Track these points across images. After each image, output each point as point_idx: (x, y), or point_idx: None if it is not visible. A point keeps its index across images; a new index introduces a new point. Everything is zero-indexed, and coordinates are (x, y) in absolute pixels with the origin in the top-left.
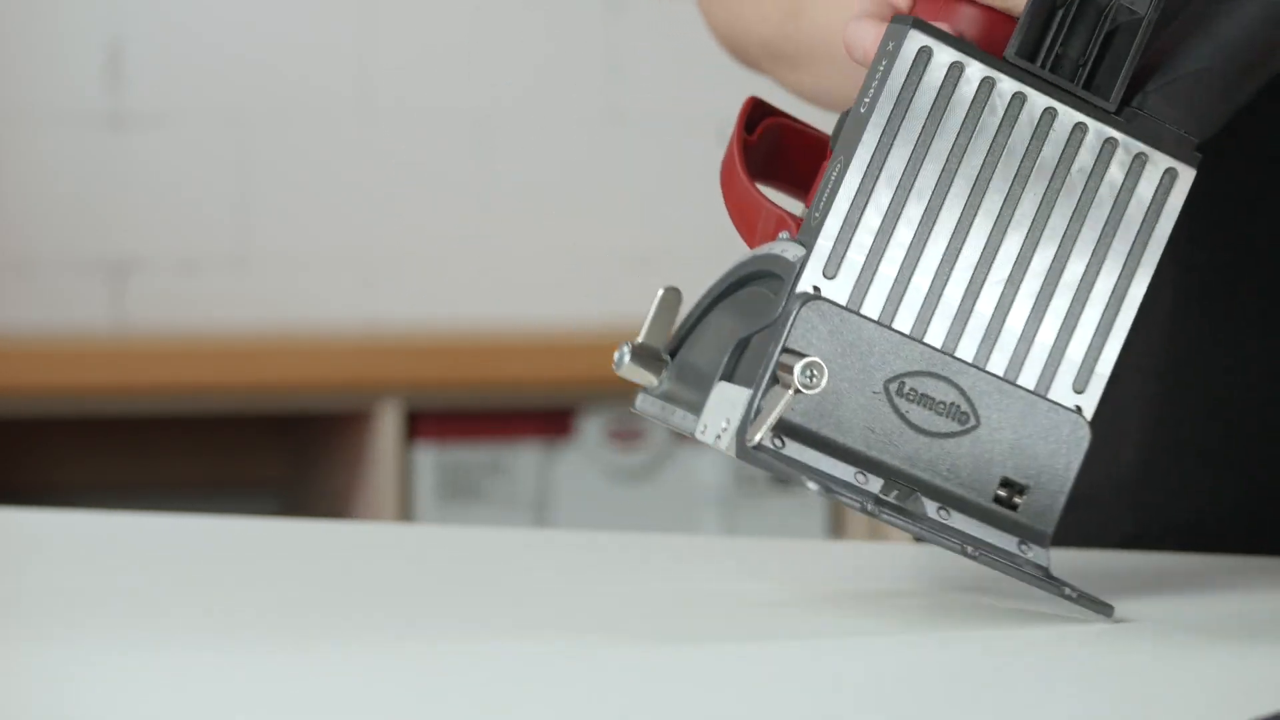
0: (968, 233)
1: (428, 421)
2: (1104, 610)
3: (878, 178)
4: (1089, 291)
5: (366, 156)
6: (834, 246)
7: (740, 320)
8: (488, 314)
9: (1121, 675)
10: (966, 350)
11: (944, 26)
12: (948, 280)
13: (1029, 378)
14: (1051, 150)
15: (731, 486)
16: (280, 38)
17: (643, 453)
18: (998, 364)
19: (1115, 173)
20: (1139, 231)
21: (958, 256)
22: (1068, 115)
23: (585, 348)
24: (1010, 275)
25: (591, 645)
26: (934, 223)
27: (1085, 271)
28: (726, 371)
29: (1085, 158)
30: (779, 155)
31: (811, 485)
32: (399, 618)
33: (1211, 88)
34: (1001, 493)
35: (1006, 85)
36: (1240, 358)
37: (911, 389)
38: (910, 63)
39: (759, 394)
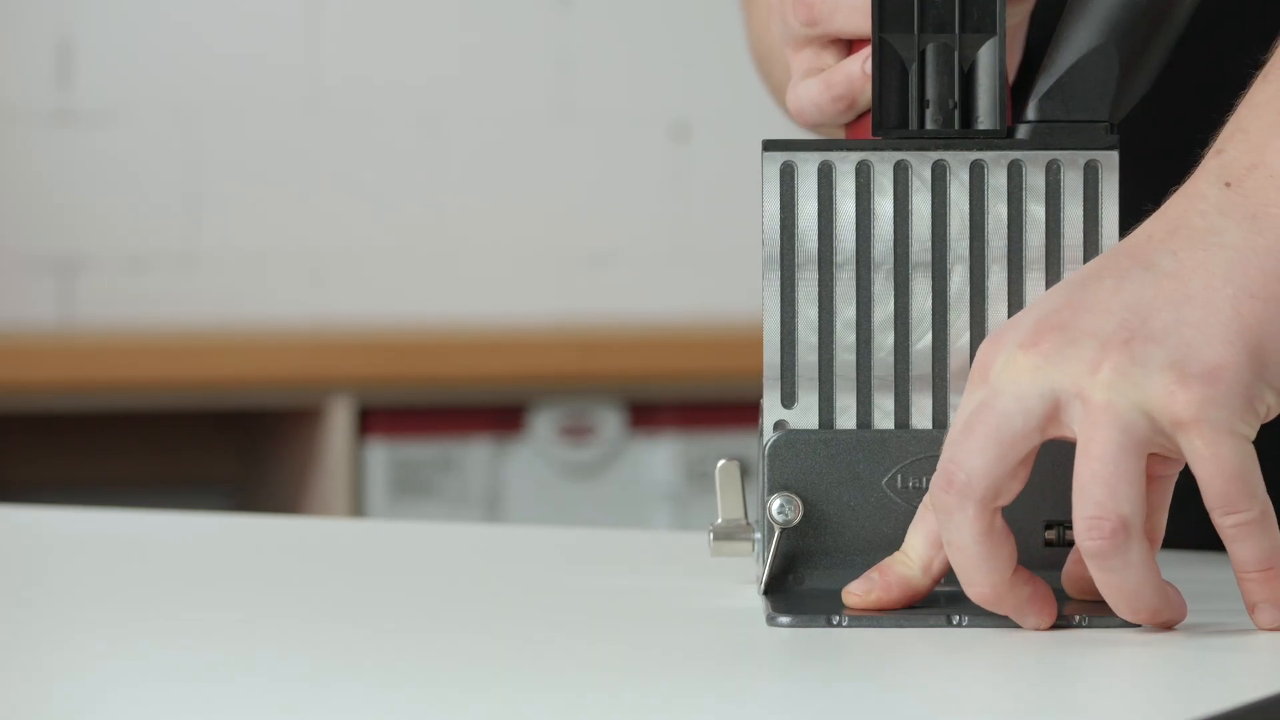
0: (909, 314)
1: (379, 418)
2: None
3: (795, 299)
4: None
5: (316, 153)
6: (782, 375)
7: None
8: (438, 310)
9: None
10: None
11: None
12: (908, 364)
13: None
14: (961, 199)
15: (682, 482)
16: (230, 35)
17: (594, 449)
18: None
19: (1036, 189)
20: (1085, 233)
21: (909, 341)
22: (961, 159)
23: (536, 344)
24: (971, 335)
25: (541, 640)
26: (870, 320)
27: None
28: None
29: (997, 198)
30: None
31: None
32: (351, 613)
33: (1104, 65)
34: (1050, 535)
35: (885, 160)
36: None
37: (914, 479)
38: (778, 184)
39: (766, 543)
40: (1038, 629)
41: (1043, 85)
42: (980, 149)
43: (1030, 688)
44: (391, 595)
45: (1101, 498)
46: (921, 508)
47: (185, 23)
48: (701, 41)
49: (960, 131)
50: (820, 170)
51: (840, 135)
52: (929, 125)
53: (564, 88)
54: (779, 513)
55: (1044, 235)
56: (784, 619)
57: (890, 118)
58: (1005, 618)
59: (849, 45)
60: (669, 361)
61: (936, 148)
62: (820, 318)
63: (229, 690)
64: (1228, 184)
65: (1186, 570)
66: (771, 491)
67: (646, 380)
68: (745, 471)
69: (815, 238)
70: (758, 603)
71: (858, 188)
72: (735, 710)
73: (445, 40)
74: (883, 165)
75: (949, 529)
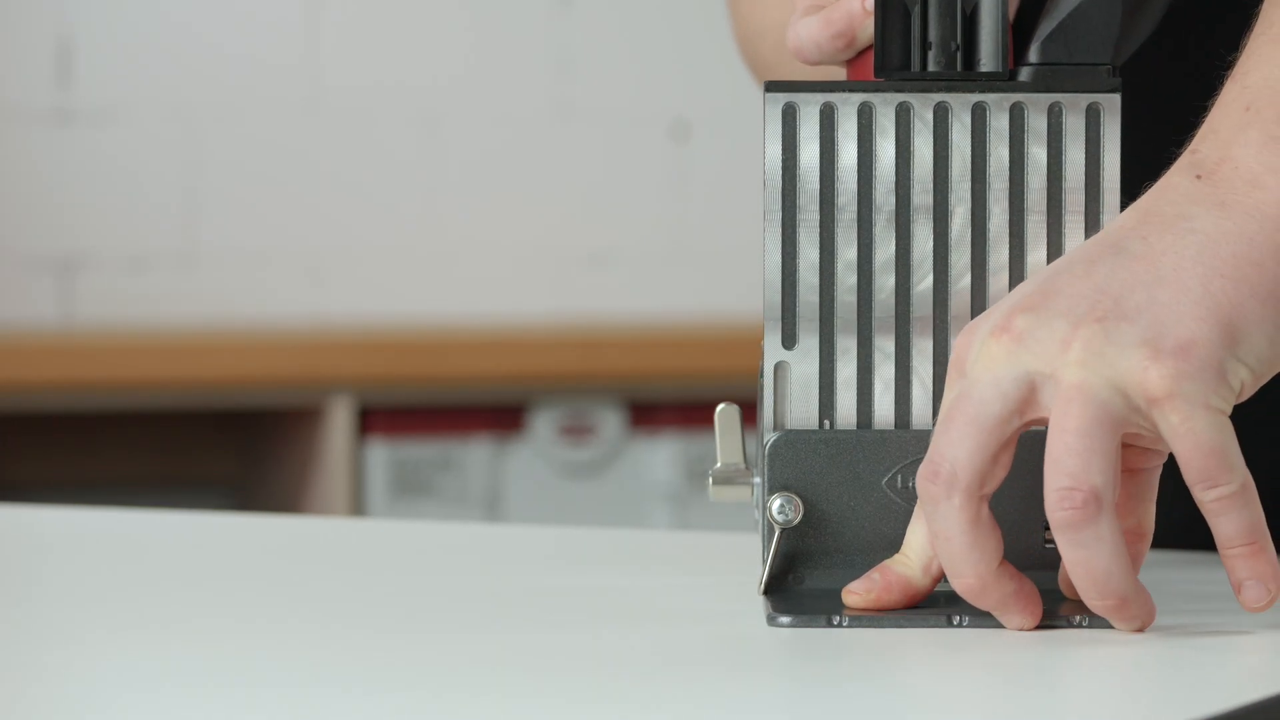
0: (910, 256)
1: (379, 417)
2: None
3: (796, 240)
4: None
5: (316, 153)
6: (783, 317)
7: None
8: (438, 310)
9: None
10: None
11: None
12: (909, 306)
13: None
14: (963, 141)
15: (682, 482)
16: (230, 35)
17: (593, 448)
18: None
19: (1038, 131)
20: (1087, 175)
21: (910, 283)
22: (963, 101)
23: (536, 343)
24: (973, 293)
25: (541, 640)
26: (871, 262)
27: (1048, 257)
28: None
29: (999, 140)
30: None
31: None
32: (350, 612)
33: (1107, 8)
34: (1050, 535)
35: (887, 101)
36: None
37: (914, 479)
38: (780, 124)
39: (766, 543)
40: (1021, 628)
41: (1045, 28)
42: (982, 91)
43: (1029, 688)
44: (391, 595)
45: (1074, 469)
46: (918, 507)
47: (185, 23)
48: (701, 41)
49: (962, 74)
50: (822, 112)
51: (841, 73)
52: (931, 67)
53: (564, 88)
54: (779, 513)
55: (1045, 178)
56: (784, 619)
57: (893, 60)
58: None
59: None
60: (669, 361)
61: (939, 89)
62: (821, 259)
63: (229, 690)
64: (1198, 176)
65: (1181, 571)
66: (771, 491)
67: (646, 380)
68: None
69: (817, 179)
70: (758, 603)
71: (859, 129)
72: (735, 710)
73: (445, 40)
74: (885, 107)
75: (935, 519)
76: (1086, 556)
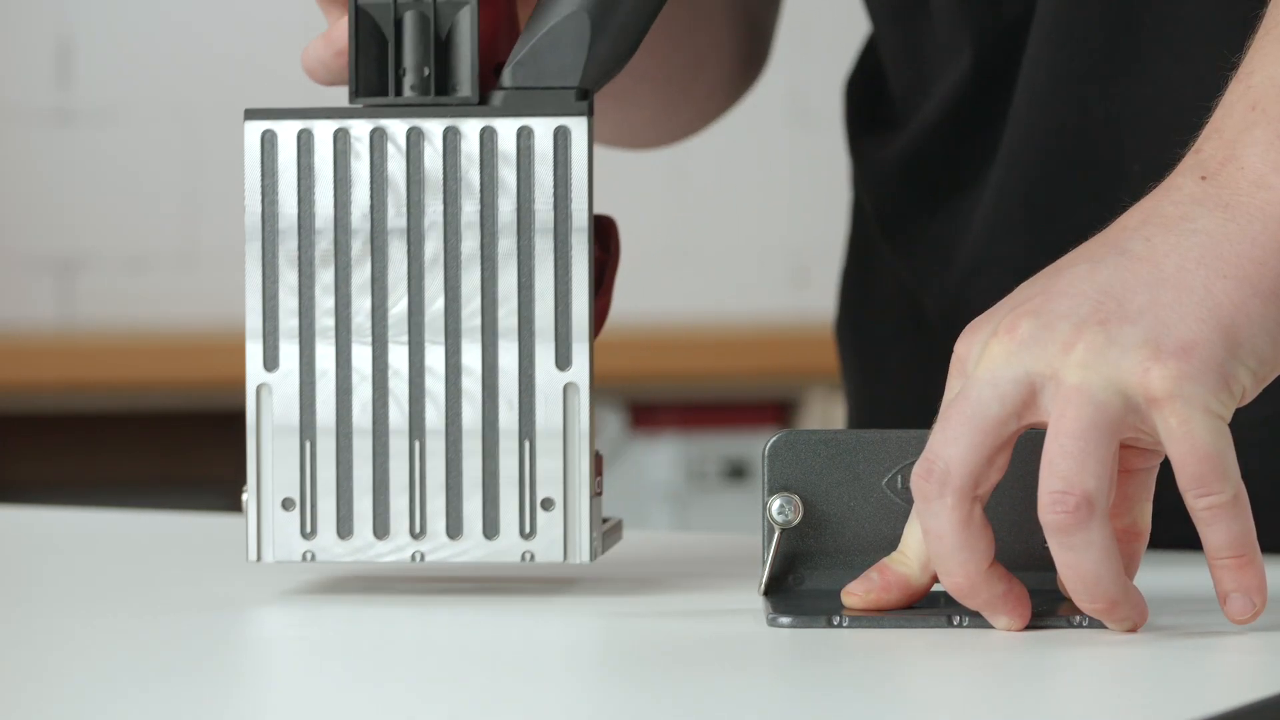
0: (386, 278)
1: None
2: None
3: (278, 272)
4: (531, 290)
5: None
6: (264, 340)
7: None
8: None
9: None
10: None
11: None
12: (386, 326)
13: None
14: (435, 165)
15: (682, 482)
16: (230, 35)
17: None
18: None
19: (507, 154)
20: (556, 198)
21: (386, 304)
22: (435, 126)
23: None
24: (446, 315)
25: (540, 639)
26: (349, 284)
27: (519, 279)
28: None
29: (470, 164)
30: None
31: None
32: (349, 612)
33: (575, 32)
34: None
35: (361, 127)
36: None
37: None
38: (259, 151)
39: (766, 544)
40: (1009, 629)
41: (517, 53)
42: (455, 116)
43: (1029, 689)
44: (390, 594)
45: (1067, 472)
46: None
47: (185, 23)
48: None
49: (435, 99)
50: (300, 138)
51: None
52: (407, 93)
53: None
54: (779, 513)
55: (515, 200)
56: (784, 620)
57: (368, 85)
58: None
59: None
60: (669, 361)
61: (412, 114)
62: (300, 282)
63: (228, 690)
64: (1203, 177)
65: (1180, 571)
66: (771, 492)
67: (646, 380)
68: None
69: (295, 204)
70: (758, 603)
71: (335, 154)
72: (735, 710)
73: None
74: (359, 132)
75: (927, 517)
76: (1076, 560)
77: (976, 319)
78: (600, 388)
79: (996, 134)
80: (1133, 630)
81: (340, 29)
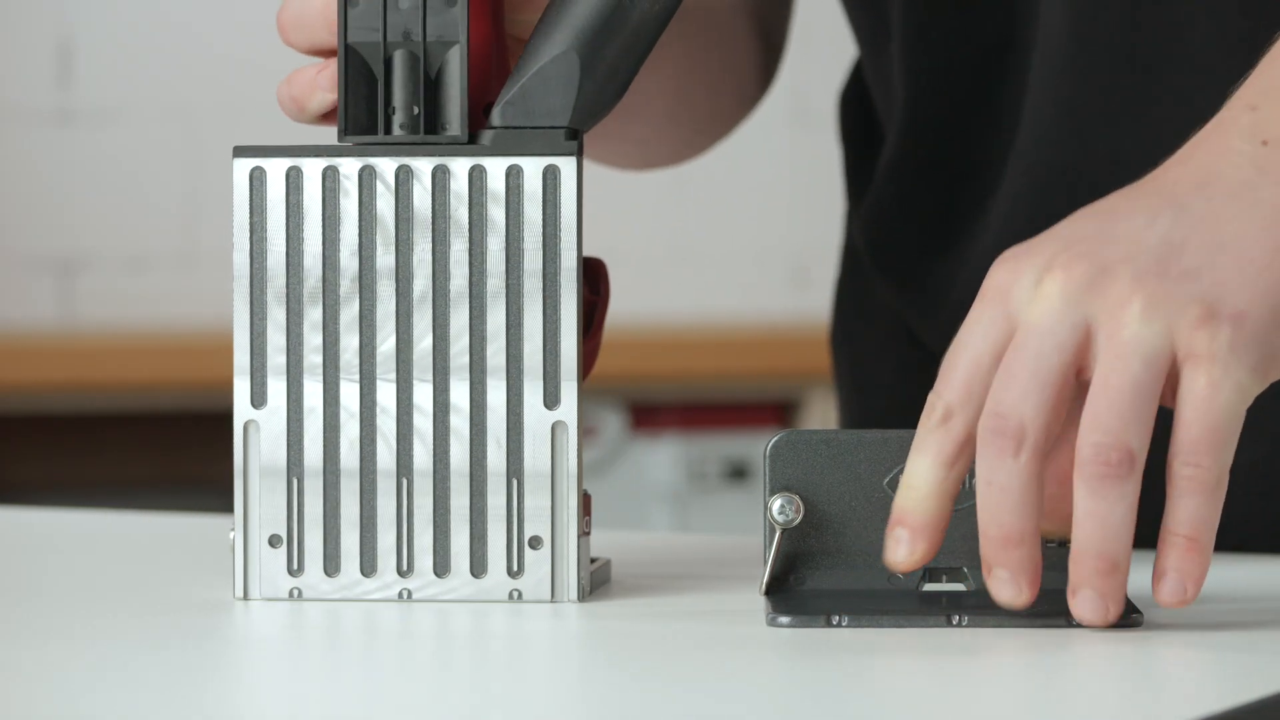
0: (374, 316)
1: None
2: (1133, 620)
3: (266, 307)
4: (520, 328)
5: None
6: (252, 380)
7: None
8: None
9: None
10: None
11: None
12: (374, 364)
13: None
14: (424, 204)
15: (683, 483)
16: (230, 36)
17: (594, 449)
18: None
19: (496, 193)
20: (545, 237)
21: (375, 342)
22: (424, 164)
23: None
24: (434, 353)
25: (539, 639)
26: (337, 322)
27: (508, 317)
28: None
29: (459, 203)
30: None
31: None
32: (349, 611)
33: (565, 71)
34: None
35: (350, 165)
36: None
37: None
38: (248, 189)
39: (767, 544)
40: (1013, 603)
41: (507, 92)
42: (444, 155)
43: (1030, 688)
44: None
45: (1113, 426)
46: (922, 432)
47: (185, 23)
48: None
49: (425, 137)
50: (289, 176)
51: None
52: (396, 131)
53: None
54: (779, 513)
55: (504, 239)
56: (784, 619)
57: (358, 124)
58: (1005, 620)
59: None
60: (669, 361)
61: (401, 153)
62: (289, 320)
63: (227, 690)
64: (1265, 142)
65: None
66: (772, 492)
67: (646, 380)
68: None
69: (284, 242)
70: (758, 603)
71: (324, 192)
72: (734, 711)
73: None
74: (349, 170)
75: (997, 472)
76: (1106, 511)
77: (1016, 248)
78: (600, 388)
79: (996, 173)
80: (1102, 620)
81: (300, 74)
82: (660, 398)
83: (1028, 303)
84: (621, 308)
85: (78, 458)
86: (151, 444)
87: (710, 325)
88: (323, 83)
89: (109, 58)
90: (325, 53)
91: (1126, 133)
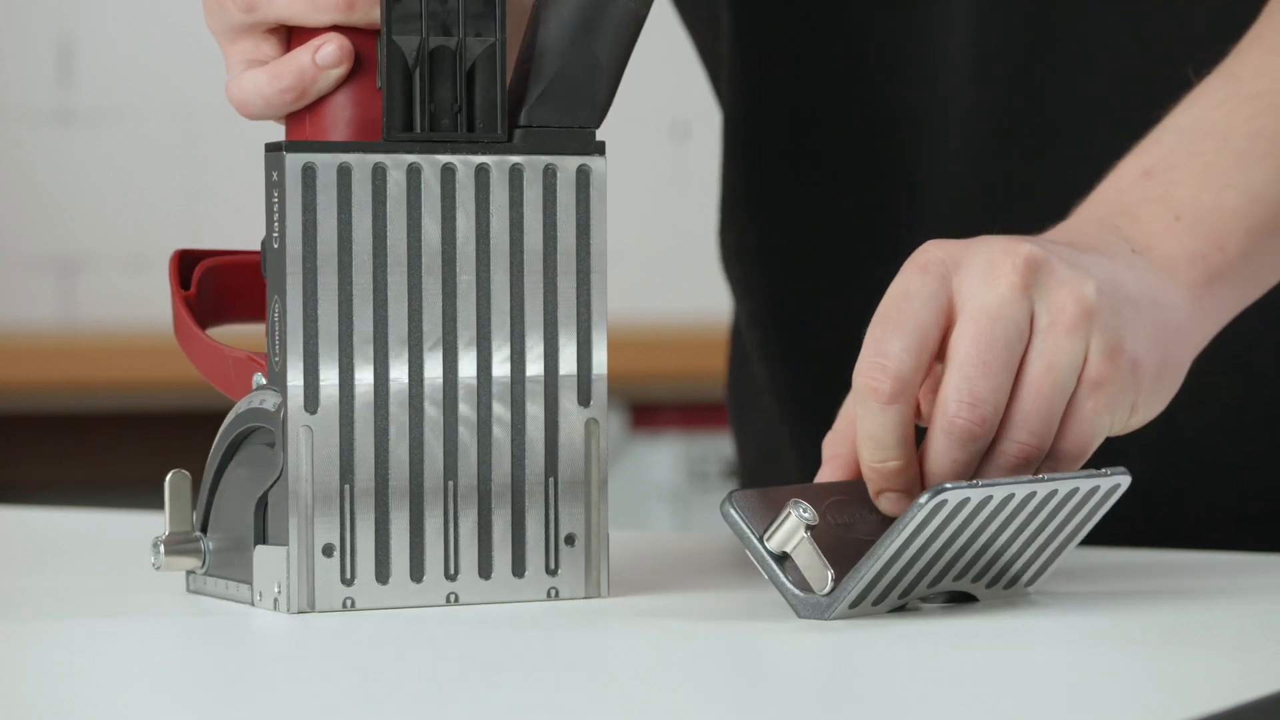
0: (421, 312)
1: None
2: (1118, 475)
3: (317, 305)
4: (555, 326)
5: None
6: (305, 383)
7: (251, 479)
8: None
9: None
10: None
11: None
12: (422, 356)
13: None
14: (467, 200)
15: (684, 482)
16: None
17: None
18: None
19: (534, 193)
20: (579, 235)
21: (425, 346)
22: (467, 163)
23: None
24: (478, 350)
25: (540, 639)
26: (386, 320)
27: (545, 307)
28: (258, 535)
29: (499, 202)
30: (225, 295)
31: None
32: (347, 612)
33: (587, 72)
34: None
35: (398, 163)
36: None
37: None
38: (300, 185)
39: (777, 577)
40: (893, 512)
41: (534, 91)
42: (484, 153)
43: (1029, 688)
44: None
45: (982, 392)
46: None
47: (185, 23)
48: None
49: (466, 135)
50: (340, 172)
51: (283, 125)
52: (435, 129)
53: None
54: (804, 513)
55: (541, 239)
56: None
57: (401, 121)
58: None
59: (288, 34)
60: (670, 362)
61: (444, 151)
62: (340, 317)
63: (227, 689)
64: (1177, 218)
65: (1179, 571)
66: (765, 531)
67: (647, 380)
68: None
69: (335, 238)
70: (758, 603)
71: (374, 189)
72: (734, 711)
73: None
74: (396, 168)
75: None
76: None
77: (946, 242)
78: None
79: (903, 205)
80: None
81: (288, 63)
82: (661, 397)
83: (975, 292)
84: (621, 308)
85: (78, 458)
86: (151, 444)
87: (710, 325)
88: (326, 60)
89: (109, 58)
90: (245, 32)
91: (1029, 170)
